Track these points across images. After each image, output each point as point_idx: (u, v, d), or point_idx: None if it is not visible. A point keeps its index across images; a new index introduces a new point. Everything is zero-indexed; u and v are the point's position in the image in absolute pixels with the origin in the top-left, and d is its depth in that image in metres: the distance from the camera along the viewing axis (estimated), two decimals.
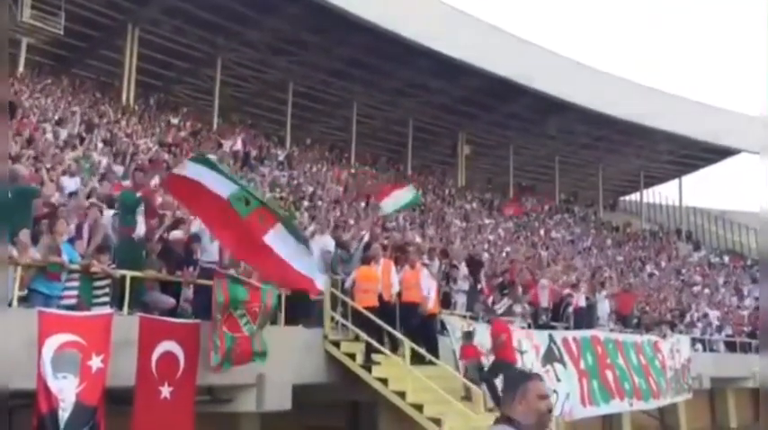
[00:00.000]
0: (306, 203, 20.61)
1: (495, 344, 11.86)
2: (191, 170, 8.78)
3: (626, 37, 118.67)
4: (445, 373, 11.03)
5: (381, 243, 14.23)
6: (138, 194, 10.02)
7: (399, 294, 11.74)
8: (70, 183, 11.62)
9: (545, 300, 16.05)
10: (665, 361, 17.92)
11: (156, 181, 11.41)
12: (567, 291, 17.09)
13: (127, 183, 12.52)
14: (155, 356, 8.38)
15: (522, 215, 37.65)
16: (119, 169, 15.08)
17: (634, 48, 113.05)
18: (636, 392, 16.16)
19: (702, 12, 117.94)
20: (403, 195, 16.67)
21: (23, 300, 8.02)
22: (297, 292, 10.87)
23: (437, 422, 9.90)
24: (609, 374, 15.61)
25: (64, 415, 7.34)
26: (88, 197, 11.07)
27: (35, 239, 8.55)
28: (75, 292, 8.54)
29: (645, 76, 69.80)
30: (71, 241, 9.13)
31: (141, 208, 9.72)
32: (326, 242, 12.52)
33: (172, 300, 9.48)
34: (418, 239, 17.29)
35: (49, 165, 12.52)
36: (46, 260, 8.27)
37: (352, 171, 32.53)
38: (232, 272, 9.52)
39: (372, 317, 10.87)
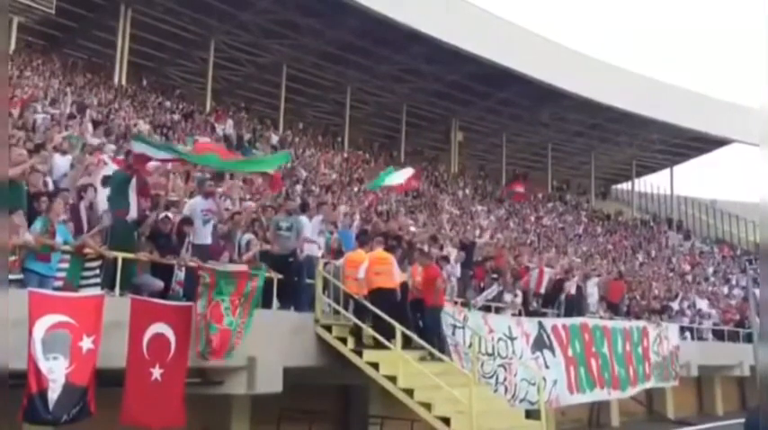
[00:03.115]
0: (299, 187, 20.58)
1: (435, 290, 11.68)
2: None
3: (621, 25, 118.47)
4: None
5: (376, 229, 14.20)
6: (128, 173, 9.86)
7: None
8: (63, 162, 11.46)
9: (543, 286, 16.09)
10: (648, 347, 18.07)
11: (152, 163, 11.20)
12: (559, 276, 17.15)
13: (120, 157, 12.34)
14: (146, 338, 8.38)
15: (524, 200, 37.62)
16: (111, 147, 14.92)
17: (628, 36, 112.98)
18: (614, 382, 16.38)
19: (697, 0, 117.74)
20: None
21: (16, 280, 7.95)
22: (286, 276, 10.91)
23: (427, 406, 9.93)
24: (593, 363, 15.79)
25: (53, 395, 7.35)
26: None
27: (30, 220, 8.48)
28: (64, 274, 8.52)
29: (638, 65, 69.85)
30: (67, 221, 9.06)
31: (131, 187, 9.60)
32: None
33: (161, 283, 9.44)
34: (413, 228, 17.14)
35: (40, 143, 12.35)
36: (38, 241, 8.20)
37: (345, 155, 32.46)
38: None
39: (363, 301, 10.89)
